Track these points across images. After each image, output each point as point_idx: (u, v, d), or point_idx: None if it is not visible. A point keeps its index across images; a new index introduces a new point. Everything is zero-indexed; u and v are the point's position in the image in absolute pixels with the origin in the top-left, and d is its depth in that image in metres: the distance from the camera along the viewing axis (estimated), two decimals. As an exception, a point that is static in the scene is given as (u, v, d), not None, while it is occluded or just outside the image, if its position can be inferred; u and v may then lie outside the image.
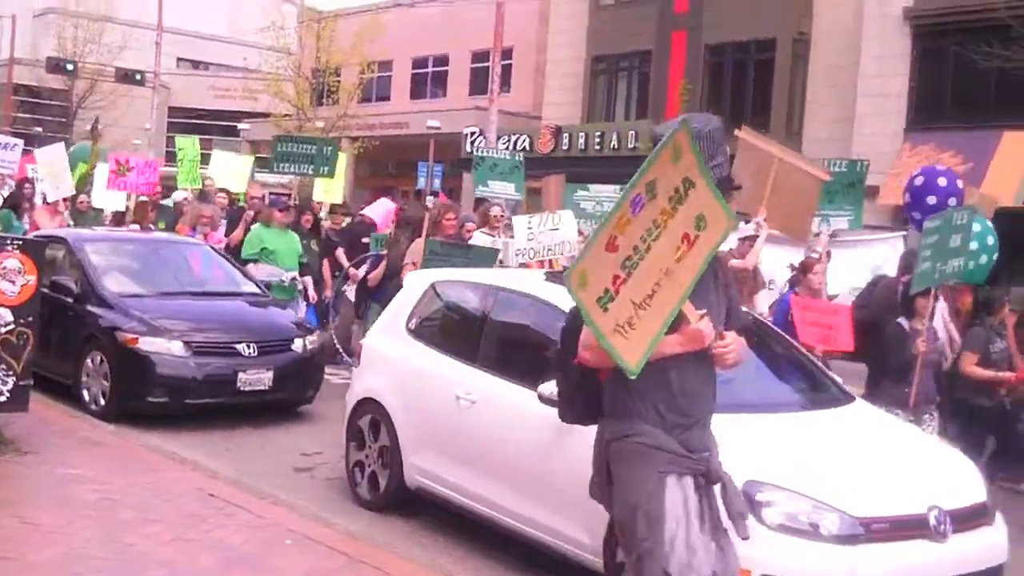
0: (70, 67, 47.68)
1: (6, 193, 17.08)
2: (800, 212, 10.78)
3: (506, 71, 36.87)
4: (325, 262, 14.59)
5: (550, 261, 11.80)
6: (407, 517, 7.87)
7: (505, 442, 7.06)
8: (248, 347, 10.77)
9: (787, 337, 8.44)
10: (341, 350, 13.37)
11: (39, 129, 44.54)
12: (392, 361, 8.29)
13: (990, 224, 11.29)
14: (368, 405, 8.27)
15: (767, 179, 10.24)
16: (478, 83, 38.98)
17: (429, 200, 13.98)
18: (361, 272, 12.88)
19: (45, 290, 10.58)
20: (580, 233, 12.75)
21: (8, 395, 8.47)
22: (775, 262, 12.25)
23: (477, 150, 18.01)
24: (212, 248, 13.55)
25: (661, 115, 31.47)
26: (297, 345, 11.17)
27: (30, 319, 8.55)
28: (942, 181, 11.78)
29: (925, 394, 8.94)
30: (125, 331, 10.45)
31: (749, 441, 6.20)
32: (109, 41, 51.25)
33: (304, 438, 10.34)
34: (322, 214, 16.49)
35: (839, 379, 7.98)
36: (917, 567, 5.72)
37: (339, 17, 42.85)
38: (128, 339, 10.38)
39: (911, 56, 27.28)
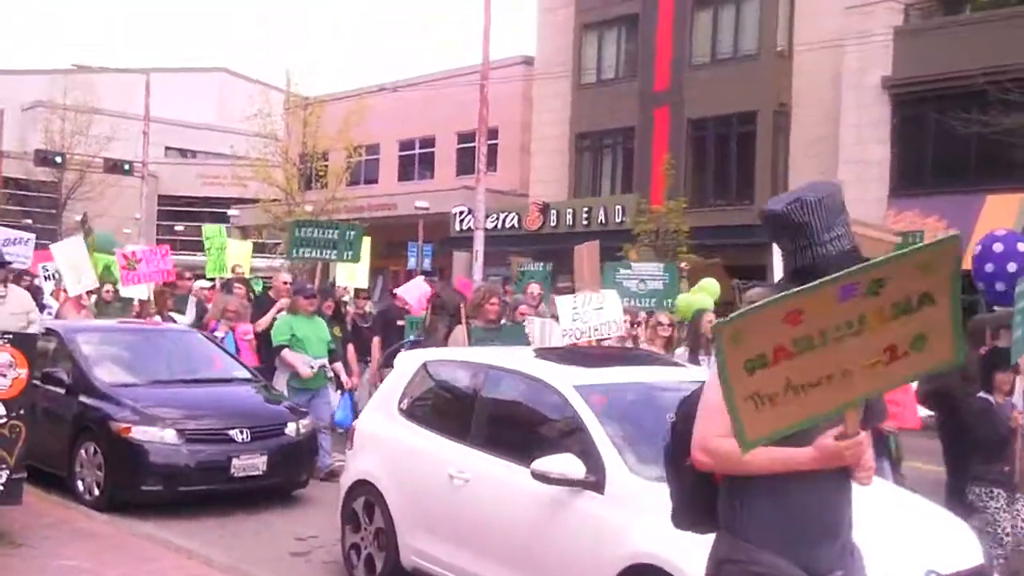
0: (58, 159, 47.91)
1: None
2: None
3: (492, 151, 37.12)
4: (351, 347, 14.17)
5: (599, 341, 11.54)
6: (405, 599, 7.83)
7: (500, 520, 7.05)
8: (241, 433, 10.74)
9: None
10: None
11: (28, 221, 44.55)
12: (385, 442, 8.29)
13: None
14: (362, 487, 8.24)
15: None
16: (465, 163, 39.31)
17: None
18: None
19: (37, 382, 10.63)
20: (626, 313, 12.69)
21: (1, 488, 8.43)
22: None
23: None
24: (204, 335, 13.58)
25: (647, 189, 31.76)
26: (290, 429, 11.14)
27: (22, 412, 8.53)
28: (1022, 247, 11.59)
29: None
30: (118, 420, 10.43)
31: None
32: (97, 132, 51.58)
33: (299, 522, 10.27)
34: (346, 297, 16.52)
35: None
36: (917, 631, 5.71)
37: (325, 102, 43.15)
38: (121, 428, 10.35)
39: (891, 124, 27.58)
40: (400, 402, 8.44)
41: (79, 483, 10.68)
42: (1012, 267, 11.31)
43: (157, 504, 10.24)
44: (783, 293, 3.60)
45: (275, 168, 41.98)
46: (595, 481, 6.46)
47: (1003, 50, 23.13)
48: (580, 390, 7.07)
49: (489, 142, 33.35)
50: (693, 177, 31.88)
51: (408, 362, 8.89)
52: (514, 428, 7.61)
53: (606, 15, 34.61)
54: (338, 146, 41.09)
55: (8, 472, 8.43)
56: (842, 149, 28.31)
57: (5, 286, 10.50)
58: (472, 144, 33.06)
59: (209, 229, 18.61)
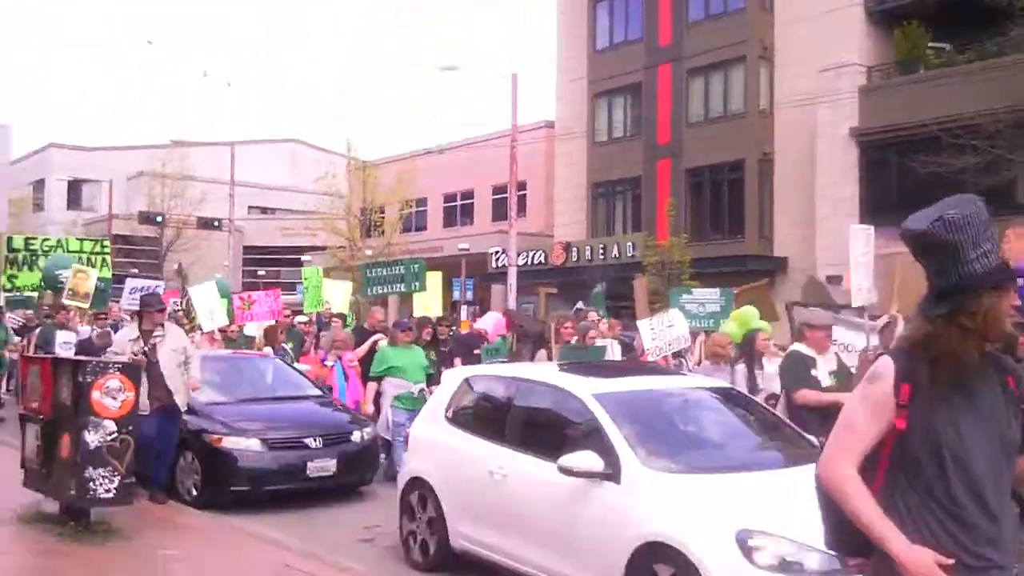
0: (159, 219, 48.60)
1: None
2: (918, 291, 10.20)
3: (521, 200, 37.18)
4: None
5: (674, 355, 11.42)
6: (454, 575, 7.79)
7: (533, 508, 7.04)
8: (315, 440, 10.78)
9: (766, 405, 8.42)
10: None
11: (135, 271, 44.97)
12: (435, 445, 8.29)
13: None
14: (417, 483, 8.25)
15: (895, 276, 9.94)
16: (499, 211, 39.38)
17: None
18: None
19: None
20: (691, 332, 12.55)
21: (115, 492, 8.49)
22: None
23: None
24: (280, 359, 13.64)
25: (653, 228, 31.74)
26: (356, 436, 11.16)
27: (130, 428, 8.61)
28: None
29: None
30: (211, 433, 10.50)
31: (740, 496, 6.17)
32: (191, 195, 51.95)
33: (365, 514, 10.27)
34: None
35: (814, 439, 7.94)
36: (889, 595, 5.62)
37: (380, 165, 43.54)
38: (214, 439, 10.42)
39: (859, 167, 27.47)
40: (447, 411, 8.45)
41: (180, 486, 10.72)
42: None
43: (245, 502, 10.24)
44: None
45: (340, 220, 42.32)
46: (612, 473, 6.44)
47: (952, 103, 23.05)
48: (597, 397, 7.06)
49: (519, 193, 33.53)
50: (692, 216, 31.82)
51: (452, 378, 8.91)
52: (543, 430, 7.58)
53: (614, 84, 34.68)
54: (392, 200, 41.46)
55: (120, 478, 8.49)
56: (818, 189, 28.20)
57: (163, 327, 10.48)
58: (505, 195, 33.19)
59: (307, 271, 18.20)
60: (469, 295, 38.13)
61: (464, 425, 8.21)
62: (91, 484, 8.35)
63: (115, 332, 16.46)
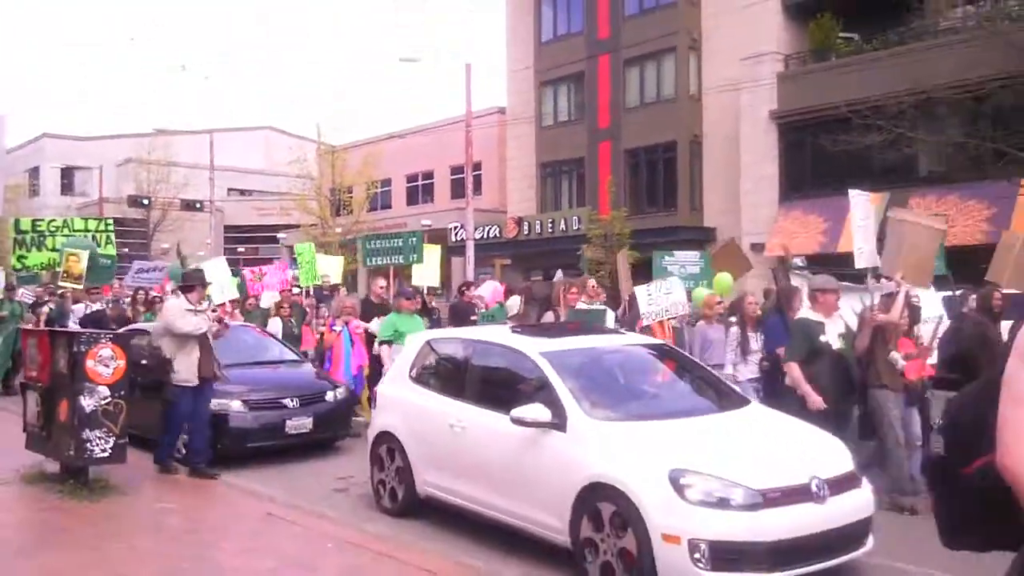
0: (146, 202, 48.00)
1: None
2: (922, 263, 9.49)
3: (477, 179, 37.21)
4: None
5: (671, 319, 10.74)
6: (421, 519, 7.86)
7: (489, 455, 7.10)
8: (292, 400, 10.77)
9: (696, 360, 8.53)
10: None
11: (125, 250, 44.27)
12: (401, 402, 8.31)
13: None
14: (385, 437, 8.28)
15: (901, 242, 9.31)
16: (457, 189, 39.11)
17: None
18: None
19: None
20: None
21: (111, 451, 8.45)
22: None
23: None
24: (259, 328, 13.55)
25: (596, 203, 31.81)
26: (330, 396, 11.15)
27: (122, 393, 8.55)
28: None
29: None
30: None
31: (673, 440, 6.28)
32: (175, 180, 51.29)
33: (339, 466, 10.30)
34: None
35: (738, 387, 8.08)
36: (804, 524, 5.77)
37: (348, 149, 43.15)
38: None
39: (779, 147, 27.67)
40: (411, 371, 8.46)
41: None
42: None
43: (230, 458, 10.21)
44: None
45: (311, 200, 41.92)
46: (559, 423, 6.52)
47: (860, 87, 23.24)
48: (545, 355, 7.12)
49: (474, 173, 33.49)
50: (630, 192, 31.91)
51: (416, 341, 8.91)
52: (497, 387, 7.63)
53: (559, 74, 34.55)
54: (360, 181, 41.16)
55: (115, 439, 8.45)
56: (743, 167, 28.38)
57: (200, 301, 9.83)
58: (462, 175, 33.01)
59: (300, 247, 17.46)
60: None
61: (427, 383, 8.24)
62: (88, 445, 8.30)
63: (110, 308, 16.39)
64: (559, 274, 13.40)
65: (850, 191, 9.78)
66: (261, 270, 16.33)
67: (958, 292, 10.59)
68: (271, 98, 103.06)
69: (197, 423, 9.66)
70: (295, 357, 12.45)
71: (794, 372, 8.12)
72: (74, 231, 19.72)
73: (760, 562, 5.56)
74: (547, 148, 34.99)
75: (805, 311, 8.47)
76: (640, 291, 10.62)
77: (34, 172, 61.18)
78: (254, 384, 10.95)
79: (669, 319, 10.59)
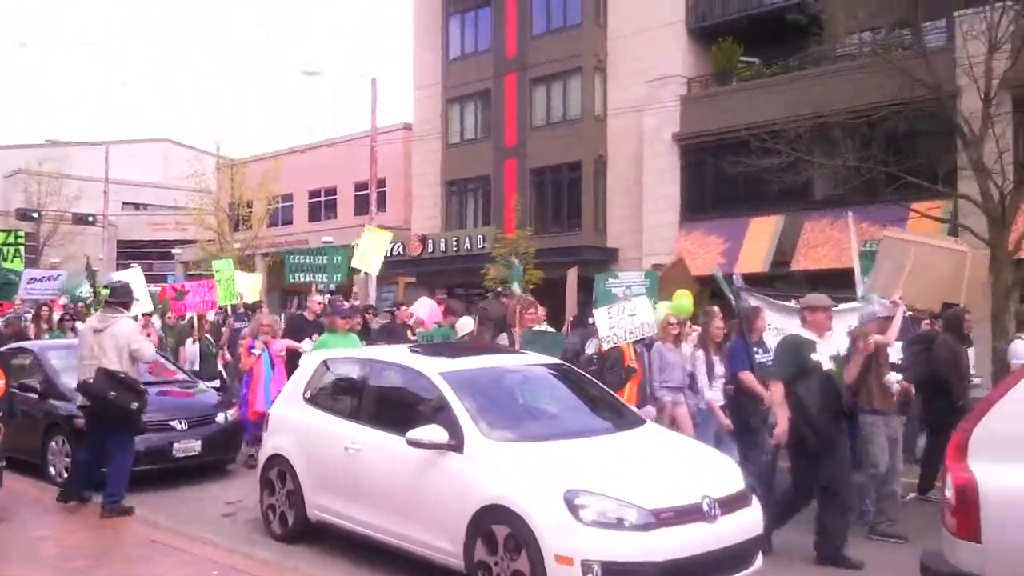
0: (35, 215, 46.53)
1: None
2: (940, 285, 9.35)
3: (381, 196, 36.97)
4: None
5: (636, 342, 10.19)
6: (312, 544, 7.71)
7: (384, 478, 7.03)
8: (180, 423, 10.49)
9: (594, 380, 8.58)
10: None
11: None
12: (293, 424, 8.16)
13: None
14: (276, 460, 8.11)
15: (906, 264, 9.01)
16: (361, 206, 38.82)
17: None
18: None
19: (15, 390, 10.24)
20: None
21: (-16, 476, 8.08)
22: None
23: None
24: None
25: (501, 222, 31.92)
26: (220, 418, 10.91)
27: (1, 414, 8.20)
28: None
29: None
30: (80, 417, 10.03)
31: (569, 460, 6.30)
32: (67, 192, 49.69)
33: (228, 490, 10.06)
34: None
35: (634, 407, 8.17)
36: (696, 543, 5.85)
37: (247, 163, 42.47)
38: (82, 424, 9.96)
39: (680, 168, 28.22)
40: (305, 392, 8.33)
41: (51, 469, 10.30)
42: None
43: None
44: None
45: (209, 215, 41.07)
46: (456, 444, 6.49)
47: (760, 111, 23.87)
48: (444, 375, 7.09)
49: (379, 189, 33.34)
50: (536, 211, 32.11)
51: (310, 361, 8.78)
52: (394, 407, 7.55)
53: (466, 91, 34.64)
54: (259, 196, 40.52)
55: (-11, 463, 8.08)
56: (645, 188, 28.86)
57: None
58: (366, 191, 32.81)
59: (218, 264, 16.43)
60: (332, 285, 37.59)
61: (321, 404, 8.11)
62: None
63: (4, 326, 15.58)
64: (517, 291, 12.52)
65: (885, 232, 9.47)
66: (183, 287, 15.45)
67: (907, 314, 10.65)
68: (169, 112, 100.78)
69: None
70: (185, 377, 12.12)
71: (777, 392, 7.42)
72: None
73: (652, 582, 5.61)
74: (453, 166, 35.00)
75: (797, 329, 7.86)
76: (600, 314, 9.96)
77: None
78: (140, 405, 10.59)
79: (633, 341, 10.04)
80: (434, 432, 6.56)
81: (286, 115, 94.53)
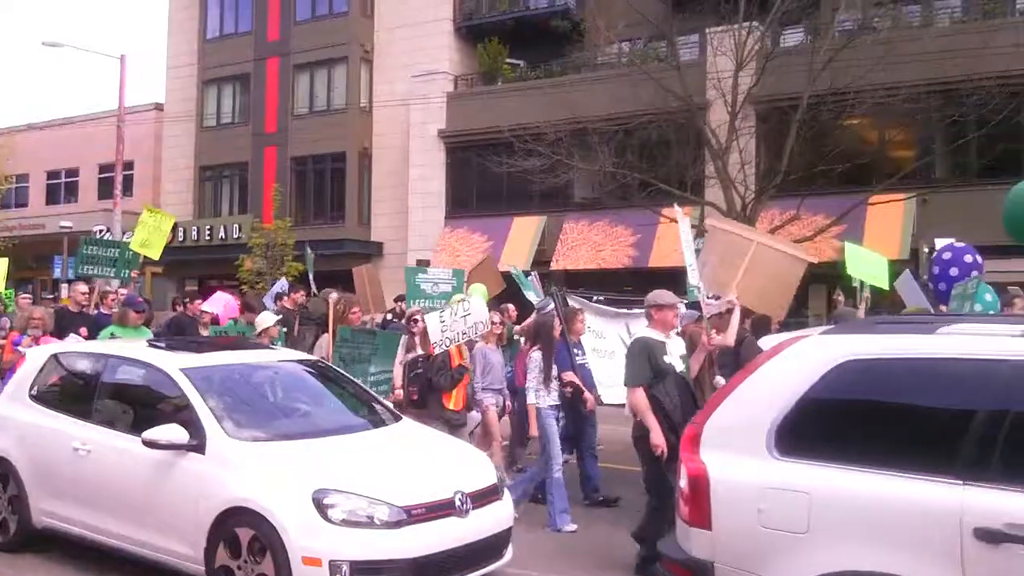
0: None
1: None
2: (777, 291, 8.86)
3: (128, 179, 35.01)
4: None
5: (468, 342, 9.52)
6: (39, 553, 7.20)
7: (117, 481, 6.65)
8: None
9: (351, 377, 8.49)
10: None
11: None
12: (17, 423, 7.56)
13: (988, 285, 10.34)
14: (-3, 463, 7.50)
15: (741, 262, 8.49)
16: (105, 189, 36.57)
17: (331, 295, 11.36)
18: None
19: None
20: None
21: None
22: None
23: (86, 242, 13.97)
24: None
25: (259, 211, 31.07)
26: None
27: None
28: (968, 258, 10.87)
29: None
30: None
31: (319, 459, 6.21)
32: None
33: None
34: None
35: (390, 404, 8.14)
36: (448, 538, 5.93)
37: (-24, 138, 39.02)
38: None
39: (445, 164, 28.54)
40: (31, 389, 7.75)
41: None
42: (955, 271, 10.59)
43: None
44: None
45: (-70, 193, 37.44)
46: (197, 444, 6.24)
47: (523, 112, 24.58)
48: (185, 371, 6.79)
49: (125, 172, 31.49)
50: (297, 201, 31.48)
51: (38, 355, 8.17)
52: (130, 406, 7.14)
53: (224, 73, 33.40)
54: (-12, 174, 37.37)
55: None
56: (411, 183, 28.98)
57: None
58: (111, 174, 30.94)
59: None
60: (71, 273, 35.36)
61: (49, 403, 7.56)
62: None
63: None
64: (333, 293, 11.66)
65: (708, 221, 9.15)
66: None
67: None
68: None
69: None
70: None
71: (639, 400, 6.85)
72: None
73: (403, 579, 5.63)
74: (208, 150, 33.69)
75: (644, 330, 7.40)
76: (431, 318, 9.24)
77: None
78: None
79: (466, 342, 9.46)
80: (173, 432, 6.27)
81: (26, 91, 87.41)
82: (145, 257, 14.00)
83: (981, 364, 4.13)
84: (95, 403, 7.19)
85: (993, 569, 3.78)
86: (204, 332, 11.77)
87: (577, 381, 9.09)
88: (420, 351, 9.40)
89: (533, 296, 13.14)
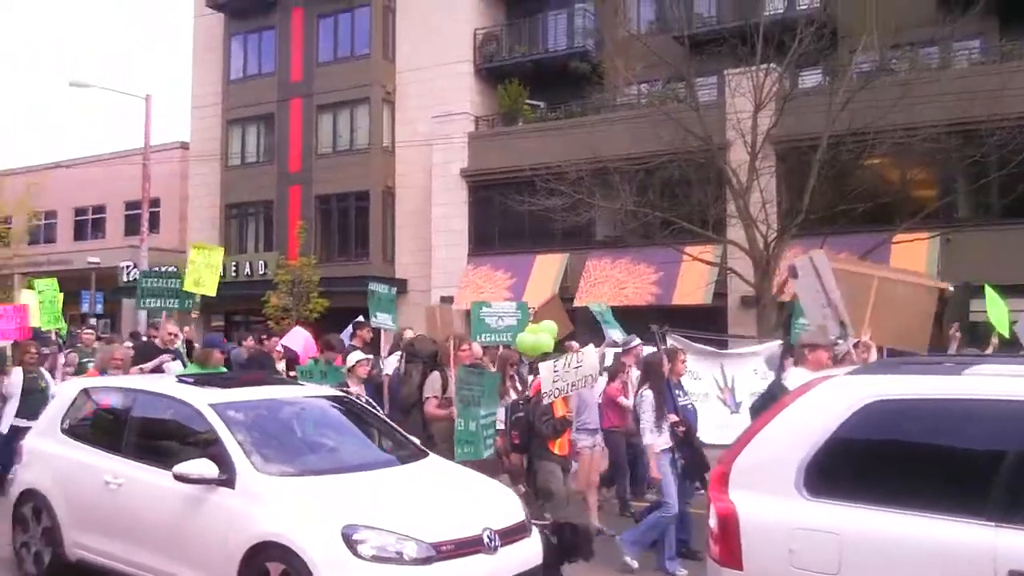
0: None
1: None
2: (916, 325, 8.48)
3: (154, 216, 35.39)
4: None
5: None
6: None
7: (148, 514, 6.71)
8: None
9: (374, 411, 8.53)
10: None
11: None
12: (50, 457, 7.66)
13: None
14: (30, 495, 7.61)
15: (866, 299, 8.17)
16: (132, 226, 36.97)
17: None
18: None
19: None
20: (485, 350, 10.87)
21: None
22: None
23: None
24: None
25: (285, 248, 31.30)
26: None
27: None
28: None
29: None
30: None
31: (348, 494, 6.24)
32: None
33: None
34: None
35: (416, 440, 8.16)
36: (477, 575, 5.91)
37: (6, 176, 39.56)
38: None
39: (468, 203, 28.68)
40: (63, 423, 7.84)
41: None
42: None
43: None
44: None
45: (-40, 230, 37.97)
46: (227, 479, 6.29)
47: (544, 152, 24.69)
48: (215, 407, 6.86)
49: (152, 209, 31.86)
50: (321, 239, 31.68)
51: (69, 389, 8.27)
52: (160, 440, 7.24)
53: (248, 113, 33.76)
54: (17, 212, 37.83)
55: None
56: (434, 221, 29.12)
57: None
58: (138, 211, 31.30)
59: (41, 283, 14.33)
60: (99, 308, 35.84)
61: (81, 437, 7.66)
62: None
63: None
64: (408, 332, 11.20)
65: (813, 254, 8.76)
66: None
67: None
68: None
69: None
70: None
71: None
72: None
73: (431, 615, 5.62)
74: (233, 189, 34.01)
75: (794, 369, 7.17)
76: (545, 367, 9.02)
77: None
78: None
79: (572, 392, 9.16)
80: (203, 466, 6.32)
81: (54, 130, 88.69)
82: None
83: (1008, 405, 4.13)
84: (125, 437, 7.26)
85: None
86: (280, 365, 11.65)
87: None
88: (513, 395, 9.43)
89: (617, 334, 12.98)
